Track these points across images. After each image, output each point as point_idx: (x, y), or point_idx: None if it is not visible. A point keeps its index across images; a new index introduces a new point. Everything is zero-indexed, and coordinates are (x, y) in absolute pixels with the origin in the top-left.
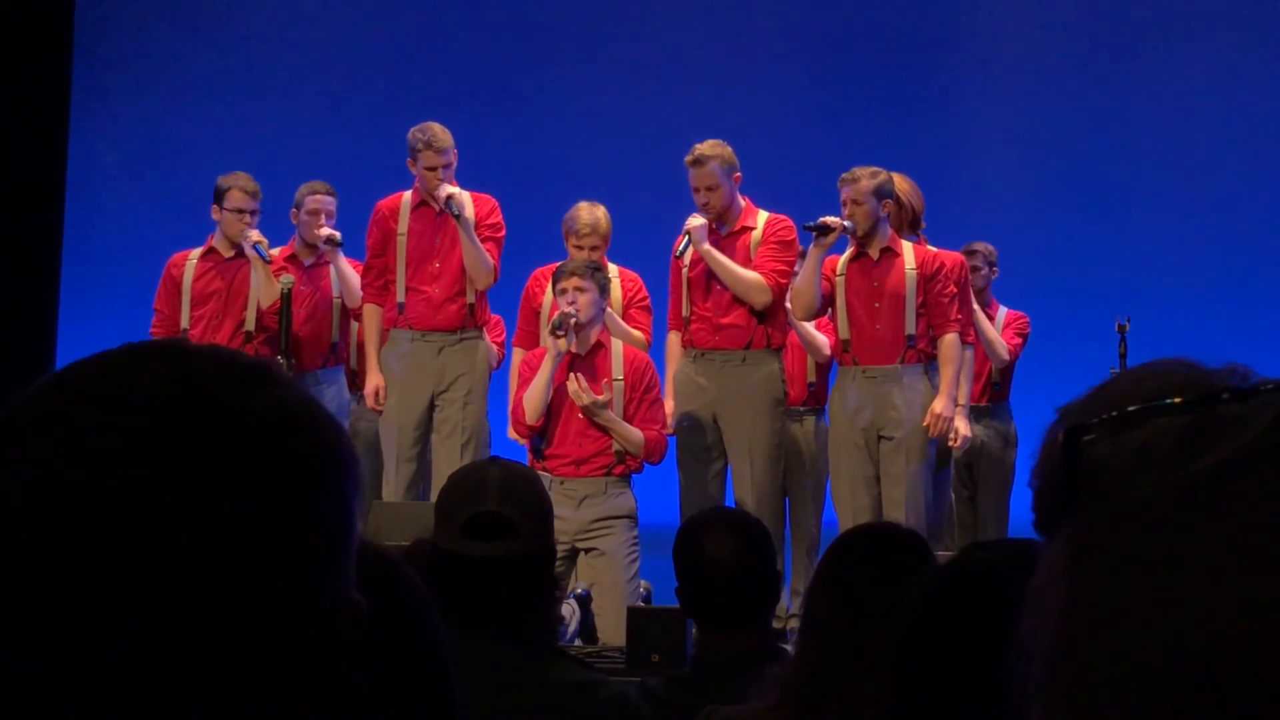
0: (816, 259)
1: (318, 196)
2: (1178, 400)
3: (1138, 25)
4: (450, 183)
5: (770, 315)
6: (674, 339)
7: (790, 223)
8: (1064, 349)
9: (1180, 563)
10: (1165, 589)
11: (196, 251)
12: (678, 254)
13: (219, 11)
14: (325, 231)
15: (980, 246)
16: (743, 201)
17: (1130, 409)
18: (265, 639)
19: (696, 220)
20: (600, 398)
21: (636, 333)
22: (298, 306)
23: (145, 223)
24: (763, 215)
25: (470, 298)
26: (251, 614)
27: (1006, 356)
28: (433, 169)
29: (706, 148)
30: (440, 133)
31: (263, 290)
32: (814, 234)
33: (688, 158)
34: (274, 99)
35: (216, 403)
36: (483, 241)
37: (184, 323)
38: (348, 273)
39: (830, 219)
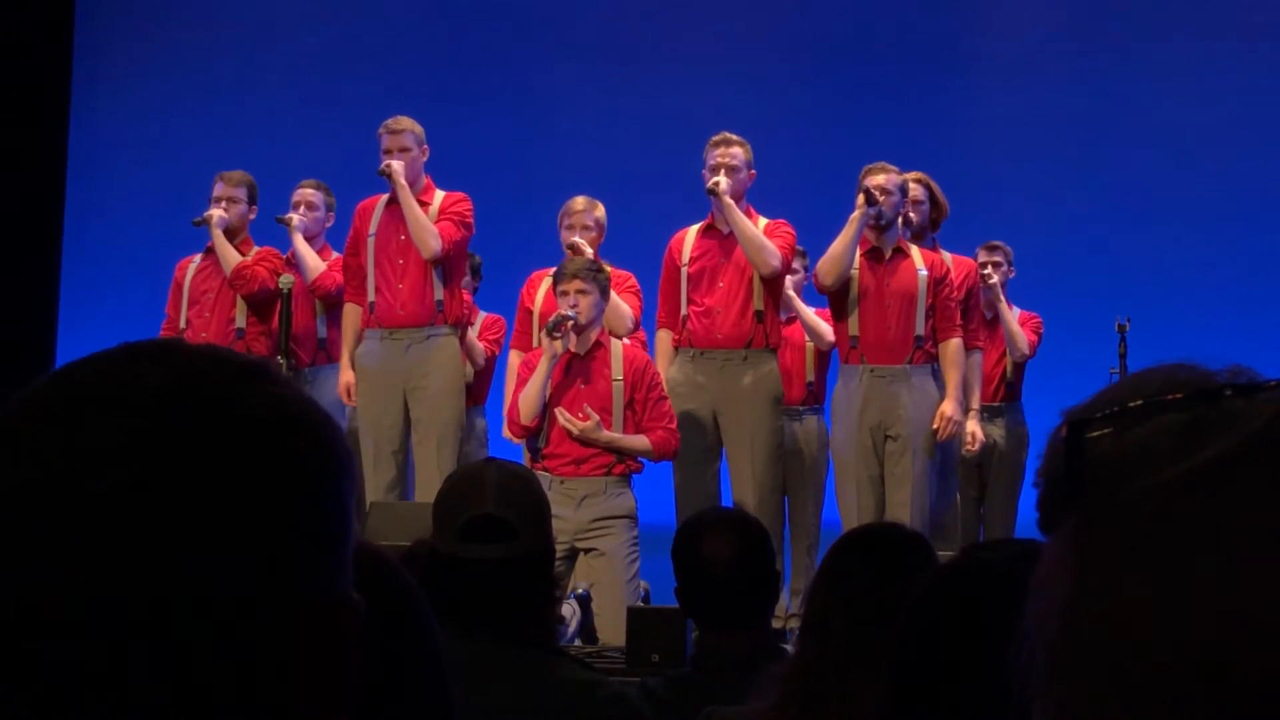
0: (859, 223)
1: (301, 190)
2: (1180, 396)
3: (1141, 27)
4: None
5: (768, 314)
6: (664, 337)
7: (790, 226)
8: (1064, 349)
9: (1182, 554)
10: (1167, 581)
11: (200, 254)
12: (708, 191)
13: (224, 10)
14: (284, 217)
15: (1000, 244)
16: (745, 205)
17: (1133, 404)
18: (264, 638)
19: (725, 178)
20: (588, 424)
21: (625, 307)
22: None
23: (146, 223)
24: (763, 220)
25: (438, 294)
26: (250, 613)
27: (1027, 350)
28: (388, 151)
29: (735, 136)
30: (400, 118)
31: (224, 261)
32: (860, 200)
33: (716, 136)
34: (277, 100)
35: (214, 402)
36: (443, 221)
37: (182, 323)
38: (301, 251)
39: (876, 190)
